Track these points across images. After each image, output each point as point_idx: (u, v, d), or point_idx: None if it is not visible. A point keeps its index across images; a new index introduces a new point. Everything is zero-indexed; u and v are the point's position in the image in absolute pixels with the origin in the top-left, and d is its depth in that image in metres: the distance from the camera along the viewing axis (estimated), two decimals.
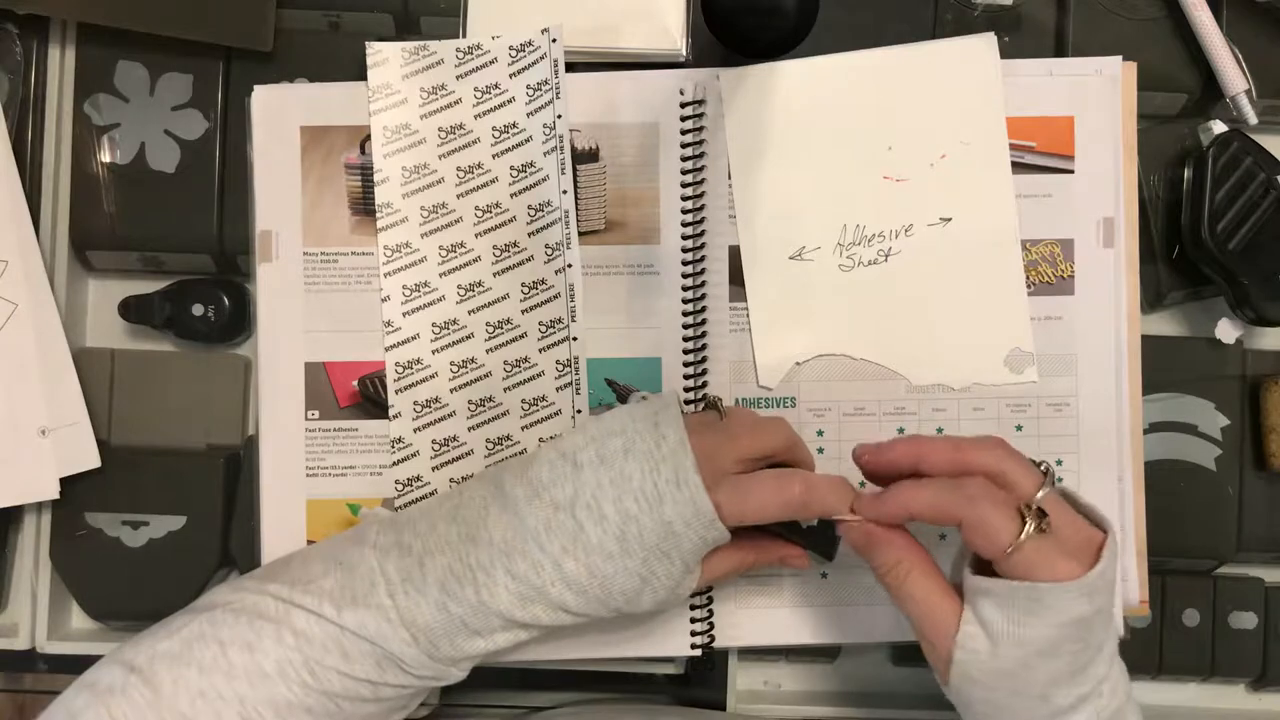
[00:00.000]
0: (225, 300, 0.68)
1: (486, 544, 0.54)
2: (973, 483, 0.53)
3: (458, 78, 0.66)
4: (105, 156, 0.68)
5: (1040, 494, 0.52)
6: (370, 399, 0.66)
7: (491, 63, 0.66)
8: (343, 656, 0.54)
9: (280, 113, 0.66)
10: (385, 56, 0.66)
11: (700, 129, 0.66)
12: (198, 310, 0.68)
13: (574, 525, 0.54)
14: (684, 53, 0.66)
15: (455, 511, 0.56)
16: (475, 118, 0.66)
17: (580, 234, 0.66)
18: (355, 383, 0.66)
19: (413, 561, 0.55)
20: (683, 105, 0.66)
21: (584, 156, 0.66)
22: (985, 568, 0.53)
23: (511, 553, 0.54)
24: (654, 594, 0.55)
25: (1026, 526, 0.51)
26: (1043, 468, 0.54)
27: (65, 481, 0.66)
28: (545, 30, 0.65)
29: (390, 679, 0.55)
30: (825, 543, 0.60)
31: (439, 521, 0.56)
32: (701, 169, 0.66)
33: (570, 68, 0.66)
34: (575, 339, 0.66)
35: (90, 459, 0.67)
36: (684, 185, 0.66)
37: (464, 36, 0.66)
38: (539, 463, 0.56)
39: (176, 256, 0.69)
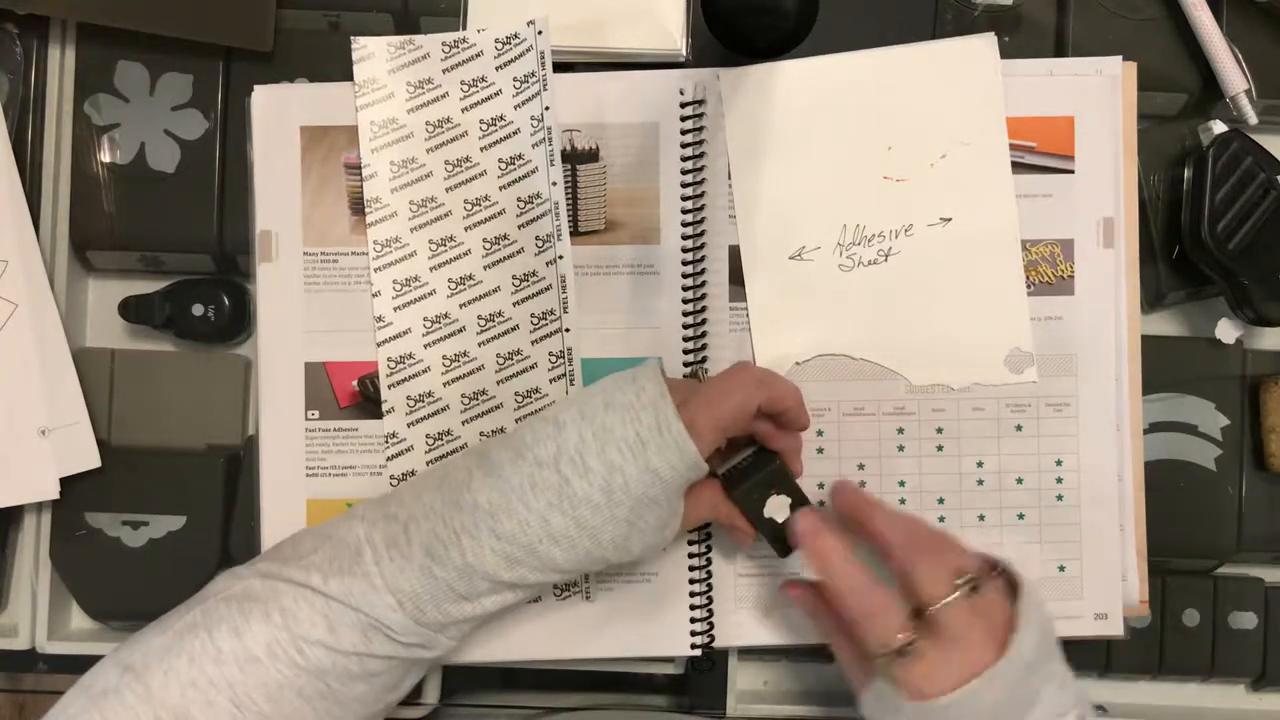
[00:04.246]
0: (225, 300, 0.68)
1: (470, 508, 0.55)
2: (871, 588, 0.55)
3: (444, 71, 0.66)
4: (105, 156, 0.68)
5: (940, 604, 0.54)
6: (370, 399, 0.66)
7: (478, 56, 0.66)
8: (329, 629, 0.54)
9: (280, 113, 0.66)
10: (371, 51, 0.66)
11: (700, 129, 0.66)
12: (198, 310, 0.68)
13: (558, 479, 0.54)
14: (684, 53, 0.66)
15: (441, 481, 0.57)
16: (462, 111, 0.66)
17: (580, 234, 0.66)
18: (355, 382, 0.66)
19: (398, 528, 0.56)
20: (683, 105, 0.66)
21: (584, 156, 0.66)
22: None
23: (496, 513, 0.55)
24: (642, 537, 0.56)
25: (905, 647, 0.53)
26: (965, 577, 0.54)
27: (65, 481, 0.66)
28: (531, 23, 0.65)
29: (377, 649, 0.55)
30: (783, 544, 0.61)
31: (424, 491, 0.57)
32: (701, 169, 0.66)
33: (570, 67, 0.66)
34: (568, 330, 0.66)
35: (90, 459, 0.67)
36: (684, 185, 0.66)
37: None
38: (522, 429, 0.57)
39: (176, 256, 0.69)
